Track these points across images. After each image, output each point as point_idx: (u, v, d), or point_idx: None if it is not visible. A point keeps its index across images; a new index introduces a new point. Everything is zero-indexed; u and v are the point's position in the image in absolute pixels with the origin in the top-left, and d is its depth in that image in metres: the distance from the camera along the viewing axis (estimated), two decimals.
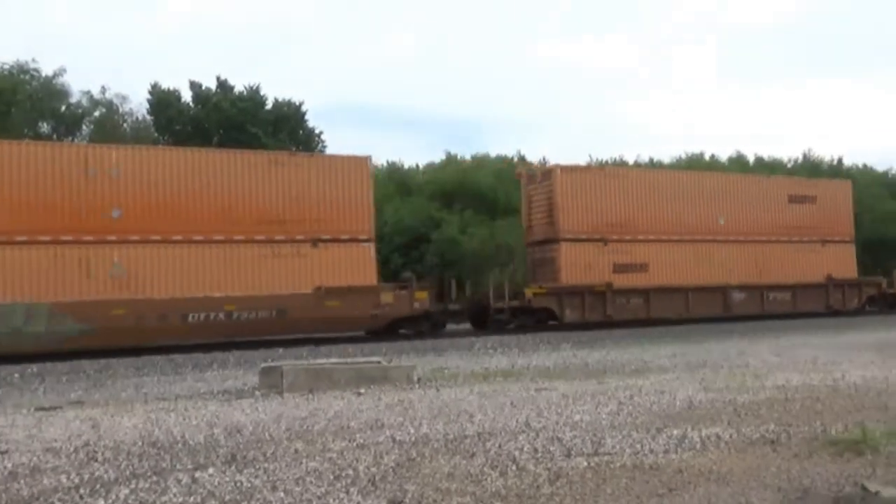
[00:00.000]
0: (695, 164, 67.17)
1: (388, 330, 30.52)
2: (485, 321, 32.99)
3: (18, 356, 23.57)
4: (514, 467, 7.84)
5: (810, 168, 70.43)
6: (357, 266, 29.90)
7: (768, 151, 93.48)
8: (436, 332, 31.16)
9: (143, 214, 27.09)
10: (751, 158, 74.70)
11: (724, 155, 75.23)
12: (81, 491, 7.37)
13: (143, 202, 27.16)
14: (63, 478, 7.90)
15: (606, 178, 35.81)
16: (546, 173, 35.72)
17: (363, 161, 31.10)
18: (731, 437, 9.05)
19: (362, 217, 30.19)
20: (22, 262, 25.56)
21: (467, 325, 33.62)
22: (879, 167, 77.14)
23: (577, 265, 33.76)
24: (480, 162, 61.87)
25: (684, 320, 34.38)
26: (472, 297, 35.96)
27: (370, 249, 30.42)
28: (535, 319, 33.19)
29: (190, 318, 27.23)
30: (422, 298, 31.10)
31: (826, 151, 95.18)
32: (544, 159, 68.13)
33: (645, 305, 34.74)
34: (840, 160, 75.48)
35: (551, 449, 8.61)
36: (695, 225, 36.45)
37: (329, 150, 52.45)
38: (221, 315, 27.58)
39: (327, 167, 30.29)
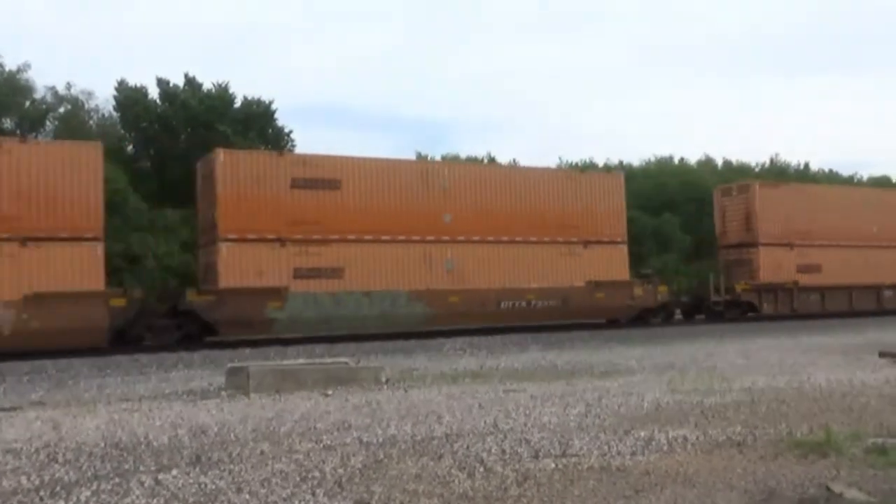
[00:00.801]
0: (664, 167, 67.54)
1: (638, 318, 34.90)
2: (699, 311, 38.10)
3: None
4: (481, 469, 7.84)
5: (777, 172, 71.11)
6: (614, 264, 34.49)
7: (736, 156, 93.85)
8: (669, 321, 36.41)
9: (468, 219, 32.05)
10: (719, 162, 75.28)
11: (692, 158, 75.79)
12: (42, 493, 7.29)
13: (468, 209, 32.14)
14: (23, 479, 7.82)
15: (793, 193, 41.00)
16: (743, 187, 40.82)
17: (618, 177, 36.89)
18: (697, 438, 9.08)
19: (618, 223, 35.04)
20: (388, 257, 30.53)
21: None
22: (844, 172, 78.25)
23: (771, 266, 38.27)
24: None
25: (849, 313, 39.06)
26: (694, 290, 39.33)
27: (623, 250, 35.05)
28: (740, 311, 37.69)
29: (502, 305, 32.27)
30: (663, 291, 35.82)
31: (792, 157, 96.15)
32: (514, 161, 68.55)
33: (821, 300, 39.31)
34: (807, 165, 76.39)
35: (519, 450, 8.62)
36: (856, 232, 40.64)
37: (298, 150, 52.22)
38: (524, 303, 32.72)
39: (594, 184, 35.10)
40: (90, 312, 25.26)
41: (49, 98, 51.23)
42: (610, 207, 35.21)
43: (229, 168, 28.79)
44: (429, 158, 65.03)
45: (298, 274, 28.95)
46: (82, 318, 24.97)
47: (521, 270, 32.86)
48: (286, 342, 27.46)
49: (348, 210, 30.09)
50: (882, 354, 18.55)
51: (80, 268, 25.67)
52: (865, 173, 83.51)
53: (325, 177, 30.00)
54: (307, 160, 30.82)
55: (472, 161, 65.29)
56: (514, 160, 70.01)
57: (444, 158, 66.58)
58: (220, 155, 29.12)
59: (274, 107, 53.35)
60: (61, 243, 25.47)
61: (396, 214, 30.91)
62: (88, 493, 7.21)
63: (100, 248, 26.28)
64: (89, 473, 8.04)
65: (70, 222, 25.69)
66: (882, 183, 72.38)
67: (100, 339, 25.48)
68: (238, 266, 28.22)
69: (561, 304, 33.28)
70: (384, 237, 30.64)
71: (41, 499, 7.12)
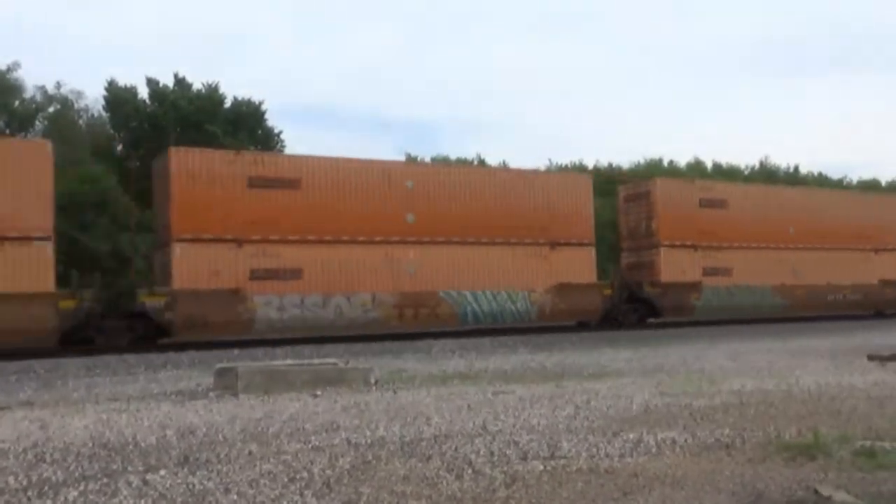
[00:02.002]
0: (653, 170, 67.60)
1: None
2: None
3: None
4: (470, 470, 7.83)
5: (767, 175, 71.28)
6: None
7: (726, 158, 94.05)
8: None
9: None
10: (709, 165, 75.36)
11: (682, 161, 75.89)
12: (29, 493, 7.26)
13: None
14: (10, 479, 7.78)
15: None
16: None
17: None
18: (686, 441, 9.08)
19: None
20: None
21: None
22: (834, 175, 78.37)
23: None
24: None
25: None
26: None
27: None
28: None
29: (828, 298, 40.82)
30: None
31: (782, 159, 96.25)
32: (504, 162, 68.53)
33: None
34: (796, 168, 76.47)
35: (507, 452, 8.61)
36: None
37: (287, 151, 52.22)
38: (841, 296, 41.20)
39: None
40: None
41: (38, 97, 51.22)
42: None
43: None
44: (419, 160, 64.95)
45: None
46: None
47: (843, 270, 40.67)
48: (275, 343, 27.43)
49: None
50: (871, 357, 18.56)
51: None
52: (855, 176, 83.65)
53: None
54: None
55: (463, 163, 65.33)
56: (503, 161, 70.10)
57: (433, 160, 66.43)
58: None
59: (264, 107, 53.35)
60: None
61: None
62: (76, 494, 7.17)
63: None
64: (77, 473, 7.99)
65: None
66: (871, 186, 72.58)
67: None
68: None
69: (862, 297, 42.13)
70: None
71: (29, 499, 7.08)
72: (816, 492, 6.72)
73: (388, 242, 31.03)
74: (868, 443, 8.45)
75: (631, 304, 36.36)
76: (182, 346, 25.72)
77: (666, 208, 37.06)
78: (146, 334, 27.76)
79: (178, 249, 28.05)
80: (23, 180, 25.82)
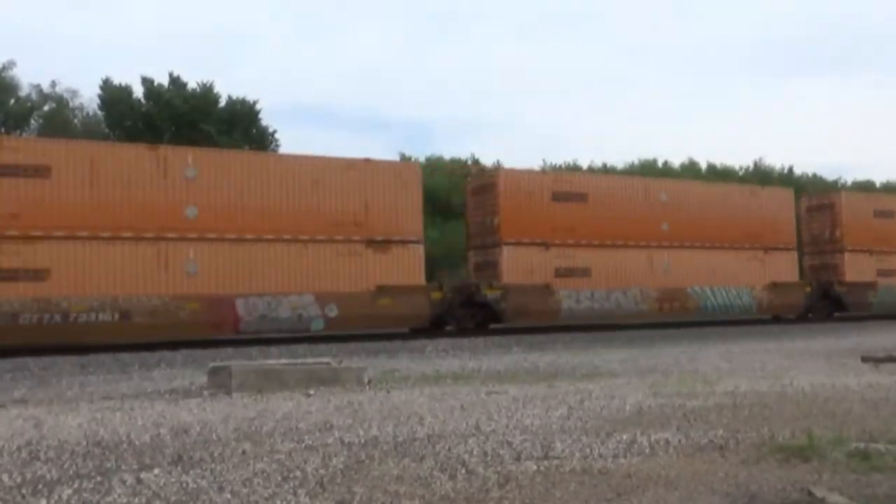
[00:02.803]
0: (647, 170, 67.69)
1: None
2: None
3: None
4: (463, 470, 7.82)
5: (761, 176, 71.30)
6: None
7: (720, 159, 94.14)
8: None
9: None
10: (703, 165, 75.41)
11: (676, 161, 75.94)
12: (23, 491, 7.25)
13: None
14: (5, 477, 7.76)
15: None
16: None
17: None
18: (679, 442, 9.08)
19: None
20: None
21: None
22: (829, 177, 78.43)
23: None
24: None
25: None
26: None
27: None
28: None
29: None
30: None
31: (776, 160, 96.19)
32: (498, 162, 68.51)
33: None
34: (791, 169, 76.47)
35: (501, 452, 8.60)
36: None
37: (282, 150, 52.25)
38: None
39: None
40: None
41: (34, 96, 51.27)
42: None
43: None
44: (412, 159, 64.75)
45: None
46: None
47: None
48: (268, 342, 27.41)
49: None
50: (865, 359, 18.57)
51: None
52: (850, 178, 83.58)
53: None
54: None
55: (457, 162, 65.34)
56: (497, 161, 70.12)
57: (427, 160, 66.31)
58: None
59: (258, 107, 53.36)
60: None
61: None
62: (70, 492, 7.16)
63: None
64: (71, 472, 7.99)
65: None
66: (865, 188, 72.50)
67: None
68: None
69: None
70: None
71: (23, 496, 7.07)
72: (810, 493, 6.72)
73: (648, 247, 36.16)
74: (862, 445, 8.44)
75: (823, 301, 40.96)
76: (175, 345, 25.67)
77: (849, 218, 41.99)
78: (483, 321, 32.94)
79: (505, 251, 33.36)
80: (401, 195, 31.10)
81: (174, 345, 25.60)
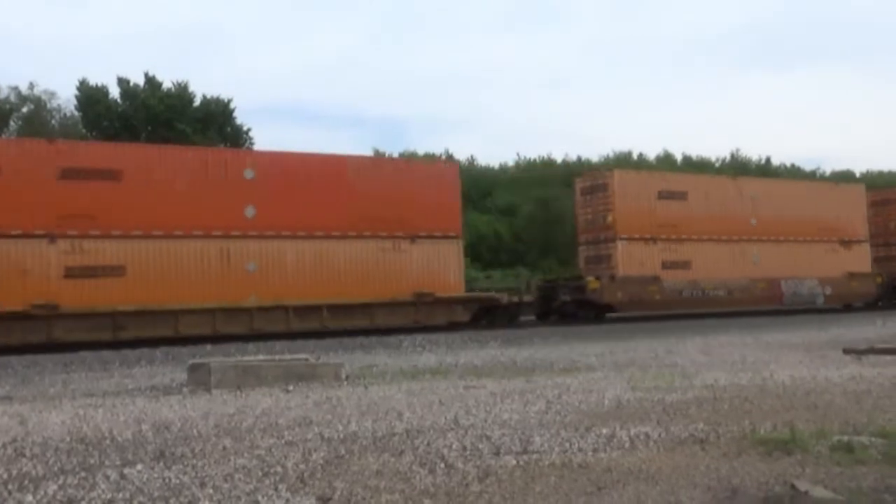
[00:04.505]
0: (622, 163, 67.76)
1: None
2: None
3: None
4: (442, 465, 7.79)
5: (738, 167, 71.40)
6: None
7: (696, 151, 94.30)
8: None
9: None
10: (679, 157, 75.46)
11: (651, 153, 75.99)
12: (10, 487, 7.27)
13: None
14: None
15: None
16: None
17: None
18: (659, 436, 9.04)
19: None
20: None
21: None
22: (806, 167, 78.61)
23: None
24: None
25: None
26: None
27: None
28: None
29: None
30: None
31: (753, 152, 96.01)
32: (472, 157, 68.64)
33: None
34: (768, 160, 76.51)
35: (480, 447, 8.56)
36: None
37: (256, 148, 52.14)
38: None
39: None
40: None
41: (12, 98, 51.18)
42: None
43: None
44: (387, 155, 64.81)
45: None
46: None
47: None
48: (246, 339, 27.38)
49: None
50: (846, 351, 18.58)
51: None
52: (828, 168, 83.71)
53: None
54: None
55: (431, 157, 65.38)
56: (471, 156, 70.29)
57: (401, 155, 66.29)
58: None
59: (232, 105, 53.37)
60: None
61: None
62: (55, 487, 7.18)
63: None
64: (56, 468, 8.03)
65: None
66: (845, 177, 72.66)
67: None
68: None
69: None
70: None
71: (9, 492, 7.09)
72: (794, 487, 6.66)
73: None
74: (845, 437, 8.40)
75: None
76: (155, 342, 25.70)
77: None
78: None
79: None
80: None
81: (154, 342, 25.68)
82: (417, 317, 32.06)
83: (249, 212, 29.48)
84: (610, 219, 36.80)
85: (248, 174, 29.69)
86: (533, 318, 36.14)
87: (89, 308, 26.63)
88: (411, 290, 31.74)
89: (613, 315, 37.08)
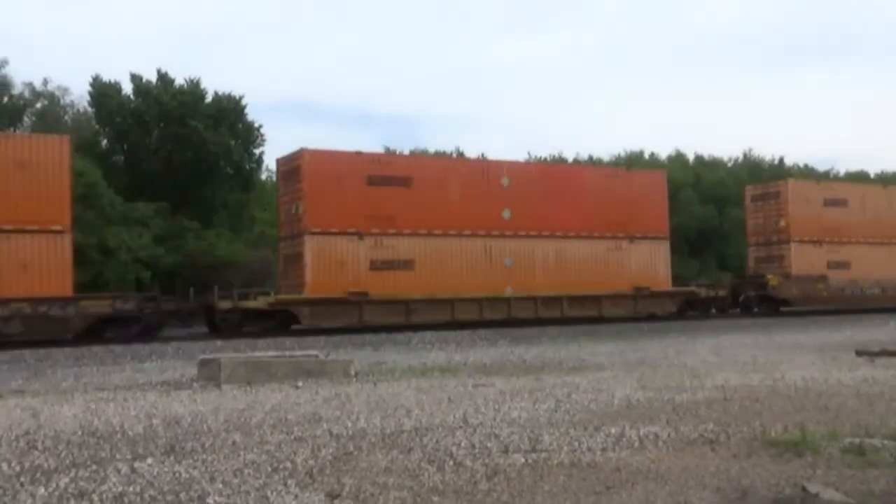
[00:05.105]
0: (634, 162, 67.51)
1: None
2: None
3: None
4: (451, 462, 7.77)
5: (751, 167, 70.97)
6: None
7: (708, 150, 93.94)
8: None
9: None
10: (691, 157, 75.02)
11: (663, 153, 75.61)
12: (22, 479, 7.33)
13: None
14: (4, 466, 7.87)
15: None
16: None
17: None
18: (669, 436, 9.01)
19: None
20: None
21: None
22: (820, 167, 78.06)
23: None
24: None
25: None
26: None
27: None
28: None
29: None
30: None
31: (766, 151, 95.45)
32: (482, 155, 68.51)
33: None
34: (781, 160, 75.90)
35: (489, 445, 8.55)
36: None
37: (269, 145, 52.31)
38: None
39: None
40: None
41: (27, 94, 51.38)
42: None
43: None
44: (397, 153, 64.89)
45: None
46: None
47: None
48: (256, 335, 27.43)
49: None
50: (859, 353, 18.46)
51: None
52: (842, 169, 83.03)
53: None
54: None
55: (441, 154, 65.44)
56: (482, 154, 70.17)
57: (412, 152, 66.34)
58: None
59: (244, 102, 53.34)
60: None
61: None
62: (67, 480, 7.23)
63: None
64: (68, 461, 8.08)
65: None
66: (860, 178, 72.24)
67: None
68: None
69: None
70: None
71: (22, 484, 7.14)
72: (804, 489, 6.62)
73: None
74: (857, 440, 8.33)
75: None
76: (166, 338, 25.91)
77: None
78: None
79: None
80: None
81: (165, 338, 25.83)
82: (636, 308, 36.81)
83: (506, 214, 34.11)
84: (783, 223, 40.88)
85: (504, 182, 34.42)
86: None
87: (390, 296, 31.58)
88: (631, 284, 36.34)
89: (785, 309, 40.55)
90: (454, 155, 67.28)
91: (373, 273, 31.34)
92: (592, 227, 35.76)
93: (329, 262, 30.84)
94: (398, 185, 32.11)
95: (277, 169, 34.72)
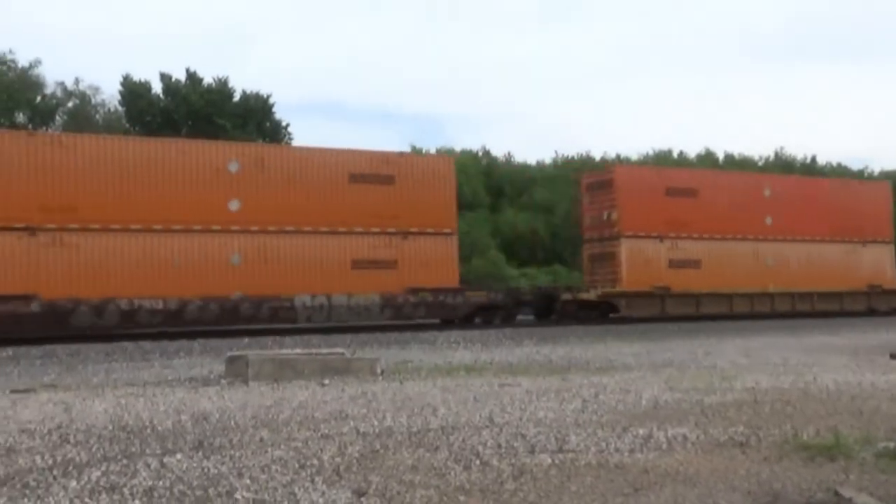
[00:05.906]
0: (662, 161, 67.26)
1: None
2: None
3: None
4: (477, 462, 7.73)
5: (783, 166, 70.46)
6: None
7: (738, 149, 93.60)
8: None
9: None
10: (720, 156, 74.61)
11: (692, 152, 75.23)
12: (55, 472, 7.40)
13: None
14: (37, 458, 7.97)
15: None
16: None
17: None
18: (698, 437, 8.91)
19: None
20: None
21: None
22: (854, 166, 77.30)
23: None
24: None
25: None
26: None
27: None
28: None
29: None
30: None
31: (798, 150, 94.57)
32: (509, 153, 68.50)
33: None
34: (814, 158, 75.31)
35: (515, 445, 8.49)
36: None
37: (296, 143, 52.43)
38: None
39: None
40: None
41: (59, 93, 51.92)
42: None
43: None
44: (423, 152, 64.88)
45: None
46: None
47: None
48: (283, 332, 27.56)
49: None
50: (893, 356, 18.21)
51: None
52: (877, 167, 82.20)
53: None
54: None
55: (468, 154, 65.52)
56: (508, 153, 70.16)
57: (438, 151, 66.25)
58: None
59: (272, 101, 53.64)
60: None
61: None
62: (98, 474, 7.31)
63: None
64: (99, 455, 8.17)
65: None
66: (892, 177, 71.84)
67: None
68: None
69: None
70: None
71: (55, 477, 7.21)
72: (837, 493, 6.53)
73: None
74: (892, 444, 8.18)
75: None
76: (192, 334, 26.23)
77: None
78: None
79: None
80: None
81: (191, 334, 26.08)
82: (870, 303, 42.00)
83: (768, 220, 39.74)
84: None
85: (766, 192, 40.30)
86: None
87: (684, 290, 37.15)
88: (865, 282, 41.96)
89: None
90: (480, 153, 67.36)
91: (671, 270, 37.17)
92: (833, 232, 41.30)
93: (638, 260, 36.69)
94: (688, 196, 38.09)
95: (582, 181, 40.60)
